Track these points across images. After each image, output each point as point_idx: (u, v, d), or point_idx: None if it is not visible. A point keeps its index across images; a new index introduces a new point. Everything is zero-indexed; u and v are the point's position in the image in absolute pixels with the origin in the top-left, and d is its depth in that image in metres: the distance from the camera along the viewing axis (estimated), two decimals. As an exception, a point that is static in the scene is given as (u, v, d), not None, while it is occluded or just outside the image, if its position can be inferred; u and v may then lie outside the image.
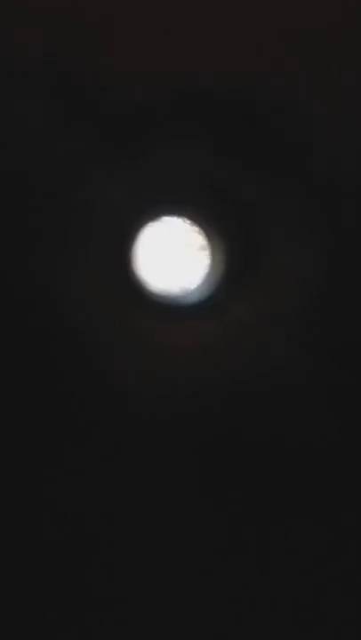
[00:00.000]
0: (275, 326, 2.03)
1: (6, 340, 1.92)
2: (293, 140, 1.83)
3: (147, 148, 1.90)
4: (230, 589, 1.88)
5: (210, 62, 1.74)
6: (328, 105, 1.78)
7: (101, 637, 1.86)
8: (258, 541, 1.91)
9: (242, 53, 1.72)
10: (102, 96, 1.77)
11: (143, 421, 1.98)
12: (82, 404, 1.96)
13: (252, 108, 1.80)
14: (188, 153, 1.96)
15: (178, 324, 2.11)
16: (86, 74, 1.74)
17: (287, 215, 1.96)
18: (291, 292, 2.00)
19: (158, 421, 1.98)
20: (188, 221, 2.25)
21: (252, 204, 2.01)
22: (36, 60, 1.72)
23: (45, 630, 1.84)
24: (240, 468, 1.95)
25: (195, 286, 2.27)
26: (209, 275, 2.24)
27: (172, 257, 2.36)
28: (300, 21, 1.70)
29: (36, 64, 1.72)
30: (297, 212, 1.94)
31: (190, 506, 1.92)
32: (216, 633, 1.88)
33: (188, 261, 2.34)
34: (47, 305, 1.95)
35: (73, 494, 1.90)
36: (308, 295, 1.99)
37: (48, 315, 1.96)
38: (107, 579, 1.88)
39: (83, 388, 1.98)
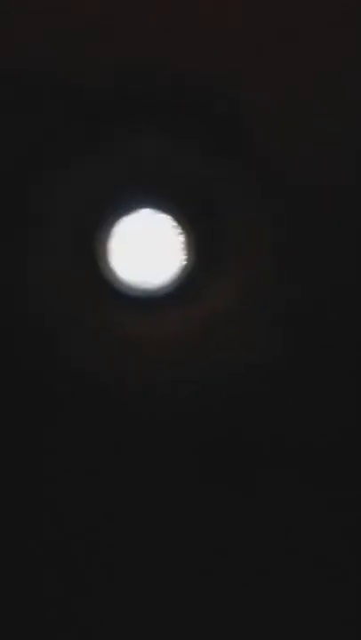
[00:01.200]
0: (252, 317, 2.02)
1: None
2: (267, 137, 1.82)
3: (116, 141, 1.89)
4: (230, 589, 1.88)
5: (192, 59, 1.73)
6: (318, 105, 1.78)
7: (101, 637, 1.86)
8: (258, 541, 1.91)
9: (225, 51, 1.72)
10: (76, 85, 1.75)
11: (139, 419, 1.97)
12: (68, 402, 1.96)
13: (232, 106, 1.79)
14: (162, 146, 1.95)
15: (154, 317, 2.10)
16: (61, 60, 1.72)
17: (256, 211, 1.96)
18: (267, 282, 2.00)
19: (154, 420, 1.98)
20: (162, 213, 2.24)
21: (224, 198, 2.00)
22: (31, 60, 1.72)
23: (45, 630, 1.84)
24: (240, 468, 1.95)
25: (170, 278, 2.26)
26: (184, 267, 2.24)
27: (146, 249, 2.36)
28: (296, 21, 1.70)
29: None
30: (267, 209, 1.94)
31: (190, 506, 1.92)
32: (216, 633, 1.89)
33: (162, 254, 2.33)
34: (21, 307, 1.95)
35: (73, 494, 1.90)
36: (287, 285, 1.98)
37: (21, 316, 1.95)
38: (107, 579, 1.88)
39: (65, 386, 1.97)
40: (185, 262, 2.21)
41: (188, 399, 2.01)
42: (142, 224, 2.29)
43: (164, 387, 2.02)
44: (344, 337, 1.94)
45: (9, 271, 1.90)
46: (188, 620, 1.87)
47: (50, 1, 1.67)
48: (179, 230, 2.23)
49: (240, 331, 2.00)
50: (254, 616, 1.89)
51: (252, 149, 1.88)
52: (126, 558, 1.89)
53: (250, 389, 2.00)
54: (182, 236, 2.22)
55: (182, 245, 2.22)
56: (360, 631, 1.84)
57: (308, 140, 1.83)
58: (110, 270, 2.13)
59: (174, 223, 2.22)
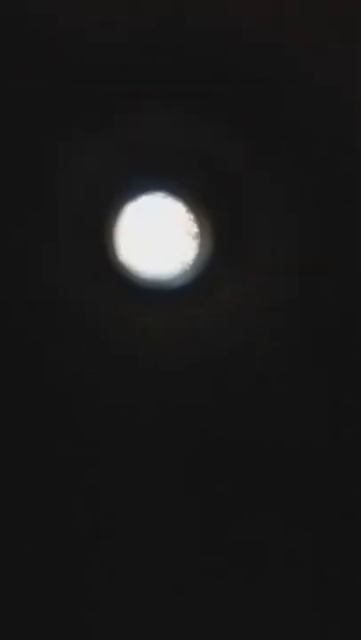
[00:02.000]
0: (267, 309, 1.98)
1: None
2: (290, 104, 1.71)
3: (120, 113, 1.79)
4: (230, 590, 1.88)
5: (191, 4, 1.60)
6: (336, 61, 1.65)
7: (101, 637, 1.86)
8: (257, 541, 1.90)
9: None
10: (67, 52, 1.64)
11: (134, 407, 1.94)
12: (69, 395, 1.92)
13: (240, 60, 1.68)
14: (169, 118, 1.86)
15: (165, 309, 2.05)
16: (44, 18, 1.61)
17: (279, 193, 1.88)
18: (284, 274, 1.94)
19: (150, 408, 1.95)
20: (174, 198, 2.16)
21: (241, 178, 1.92)
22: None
23: (45, 630, 1.83)
24: (235, 464, 1.93)
25: (181, 268, 2.20)
26: (197, 256, 2.17)
27: (157, 238, 2.28)
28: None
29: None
30: (291, 189, 1.86)
31: (189, 505, 1.90)
32: (216, 634, 1.90)
33: (173, 242, 2.26)
34: (26, 297, 1.88)
35: (73, 491, 1.87)
36: (301, 276, 1.93)
37: (28, 307, 1.88)
38: (107, 579, 1.87)
39: (69, 377, 1.92)
40: (198, 252, 2.13)
41: (177, 383, 1.98)
42: (154, 210, 2.20)
43: (164, 378, 1.97)
44: (351, 336, 1.91)
45: (12, 258, 1.83)
46: (188, 620, 1.87)
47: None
48: (193, 217, 2.14)
49: (250, 329, 1.96)
50: (254, 616, 1.89)
51: (245, 112, 1.75)
52: (126, 558, 1.88)
53: (240, 375, 1.97)
54: (197, 223, 2.14)
55: (196, 234, 2.15)
56: (360, 633, 1.87)
57: (308, 100, 1.68)
58: (120, 259, 2.06)
59: (188, 209, 2.13)
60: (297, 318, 1.96)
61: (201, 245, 2.16)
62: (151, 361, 1.97)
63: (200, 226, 2.15)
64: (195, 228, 2.16)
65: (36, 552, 1.84)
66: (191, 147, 1.91)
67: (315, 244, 1.92)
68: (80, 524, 1.86)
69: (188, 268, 2.17)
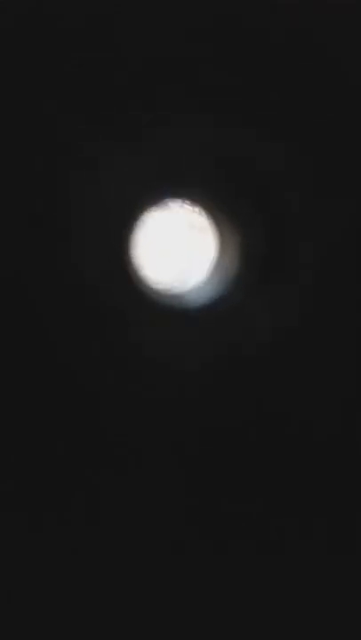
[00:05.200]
0: (292, 332, 1.91)
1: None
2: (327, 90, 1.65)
3: (139, 124, 1.75)
4: (235, 592, 1.86)
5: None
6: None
7: (101, 637, 1.83)
8: (258, 535, 1.89)
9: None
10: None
11: (144, 429, 1.91)
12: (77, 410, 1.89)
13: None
14: (189, 125, 1.76)
15: (182, 326, 1.97)
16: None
17: (316, 196, 1.77)
18: (313, 290, 1.87)
19: (159, 432, 1.92)
20: (193, 206, 2.10)
21: (271, 185, 1.82)
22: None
23: (45, 630, 1.80)
24: (246, 471, 1.91)
25: (201, 284, 2.14)
26: (217, 270, 2.12)
27: (176, 249, 2.23)
28: None
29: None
30: (330, 192, 1.76)
31: (189, 509, 1.89)
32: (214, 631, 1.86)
33: (193, 254, 2.21)
34: (43, 302, 1.86)
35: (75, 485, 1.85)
36: (333, 296, 1.87)
37: (44, 314, 1.86)
38: (106, 578, 1.84)
39: (80, 381, 1.89)
40: (217, 267, 2.08)
41: (191, 408, 1.93)
42: (175, 220, 2.12)
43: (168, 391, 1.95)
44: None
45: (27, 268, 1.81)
46: (188, 623, 1.85)
47: None
48: (213, 227, 2.07)
49: (272, 349, 1.90)
50: (254, 615, 1.87)
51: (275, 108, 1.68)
52: (126, 557, 1.85)
53: (263, 406, 1.93)
54: (217, 235, 2.07)
55: (216, 247, 2.08)
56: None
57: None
58: (138, 270, 2.00)
59: (209, 219, 2.06)
60: (324, 341, 1.92)
61: (222, 258, 2.11)
62: (168, 376, 1.93)
63: (222, 237, 2.10)
64: (216, 239, 2.10)
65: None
66: (220, 154, 1.85)
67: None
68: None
69: (208, 284, 2.12)
